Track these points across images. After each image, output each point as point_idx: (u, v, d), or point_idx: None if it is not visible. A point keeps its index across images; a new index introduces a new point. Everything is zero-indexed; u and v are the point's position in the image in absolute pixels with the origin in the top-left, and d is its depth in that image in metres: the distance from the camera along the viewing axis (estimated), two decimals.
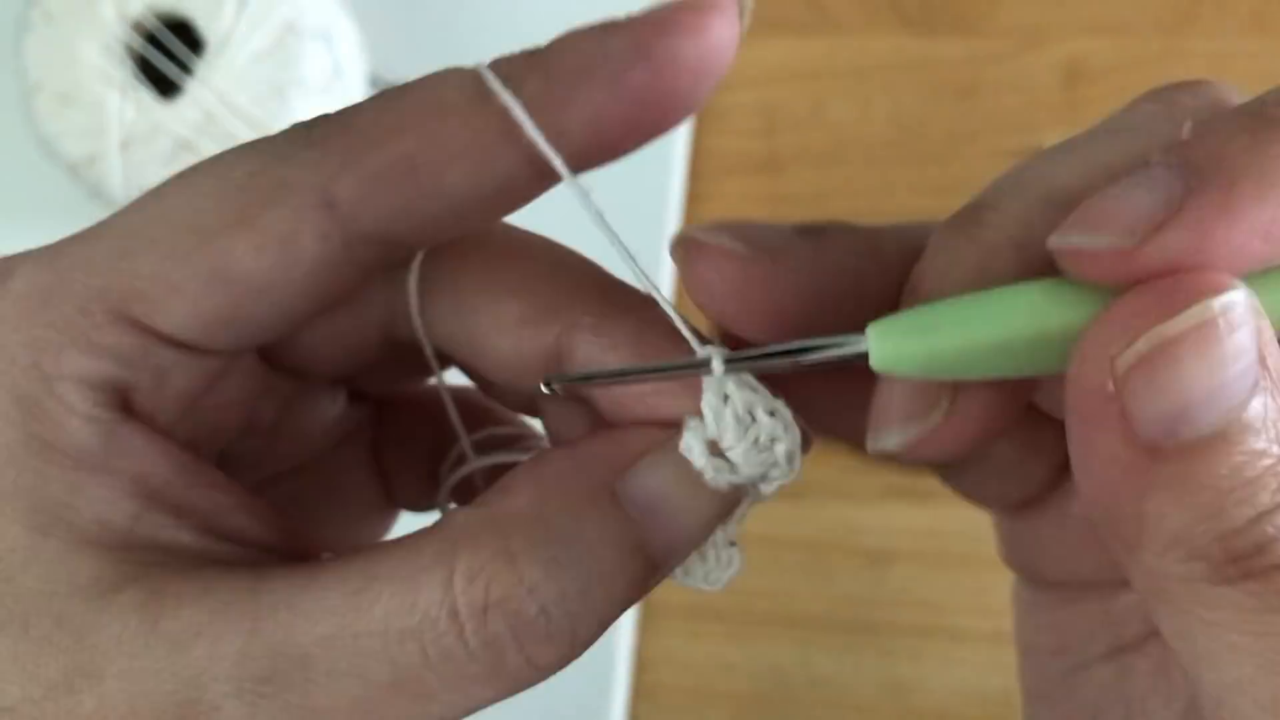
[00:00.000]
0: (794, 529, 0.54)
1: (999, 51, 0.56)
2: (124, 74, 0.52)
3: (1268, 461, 0.16)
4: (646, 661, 0.54)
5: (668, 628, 0.54)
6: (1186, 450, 0.16)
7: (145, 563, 0.19)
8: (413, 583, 0.18)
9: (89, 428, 0.19)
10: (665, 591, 0.59)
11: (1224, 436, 0.16)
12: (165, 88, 0.53)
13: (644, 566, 0.19)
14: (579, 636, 0.19)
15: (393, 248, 0.19)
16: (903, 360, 0.18)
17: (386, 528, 0.28)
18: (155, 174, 0.53)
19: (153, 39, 0.53)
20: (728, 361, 0.19)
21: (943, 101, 0.56)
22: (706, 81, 0.18)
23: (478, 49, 0.19)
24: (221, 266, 0.19)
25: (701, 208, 0.57)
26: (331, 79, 0.54)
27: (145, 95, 0.52)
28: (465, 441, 0.25)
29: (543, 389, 0.20)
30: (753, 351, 0.19)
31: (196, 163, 0.19)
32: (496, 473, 0.23)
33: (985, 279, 0.18)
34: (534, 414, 0.24)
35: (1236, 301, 0.16)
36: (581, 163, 0.18)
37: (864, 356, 0.18)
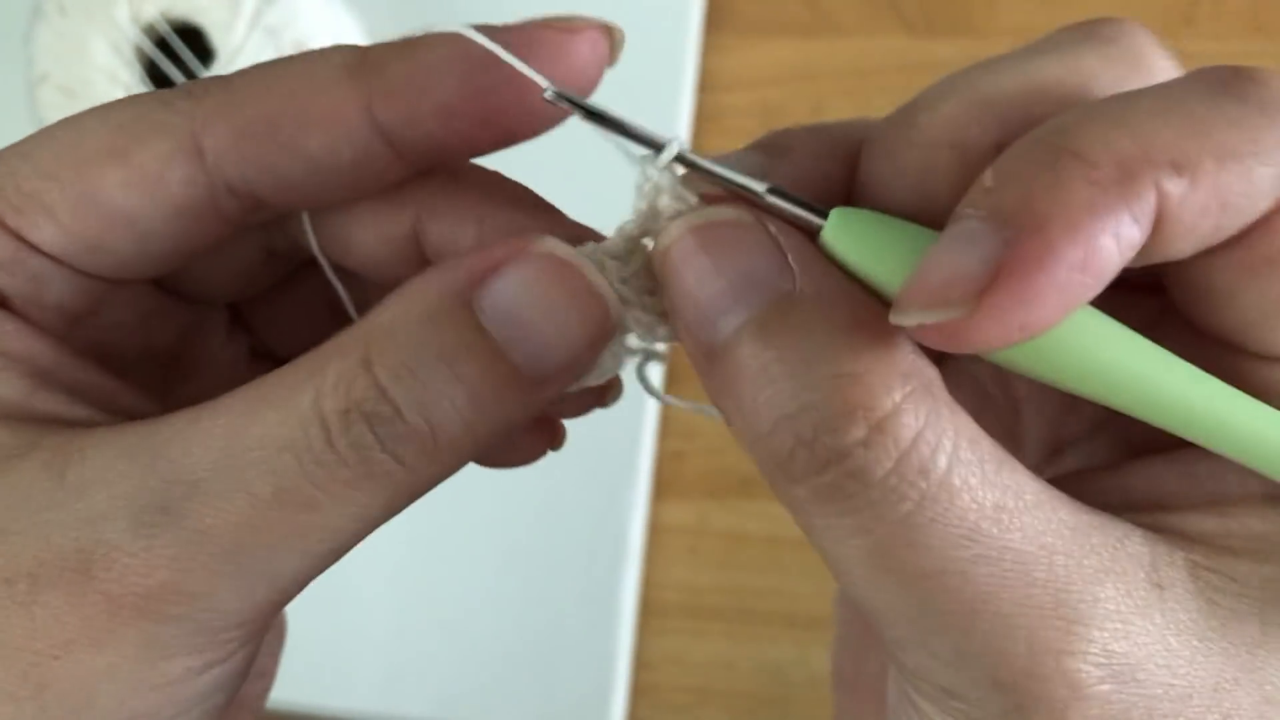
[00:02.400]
0: (793, 529, 0.54)
1: (998, 52, 0.56)
2: (131, 75, 0.53)
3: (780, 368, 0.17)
4: (646, 661, 0.54)
5: (667, 627, 0.54)
6: (717, 354, 0.18)
7: (43, 431, 0.20)
8: (289, 398, 0.19)
9: None
10: (664, 591, 0.59)
11: (731, 343, 0.18)
12: None
13: (511, 379, 0.19)
14: (441, 439, 0.19)
15: (256, 204, 0.21)
16: (847, 254, 0.19)
17: None
18: None
19: (164, 44, 0.53)
20: (686, 162, 0.19)
21: None
22: (579, 81, 0.19)
23: None
24: (90, 193, 0.20)
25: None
26: None
27: None
28: (350, 308, 0.25)
29: (546, 97, 0.20)
30: (713, 164, 0.19)
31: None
32: None
33: (926, 179, 0.19)
34: None
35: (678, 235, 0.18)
36: (431, 145, 0.20)
37: (816, 230, 0.19)
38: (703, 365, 0.18)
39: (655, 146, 0.19)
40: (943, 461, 0.17)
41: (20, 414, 0.20)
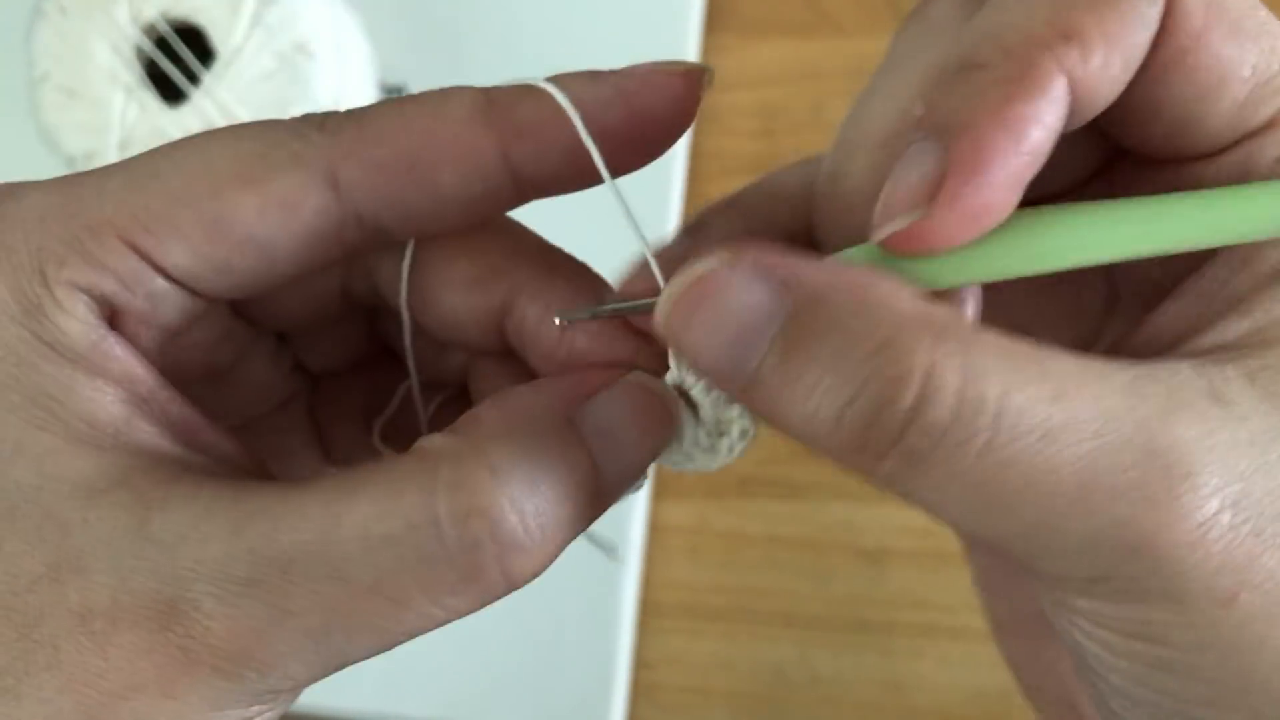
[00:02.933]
0: (793, 528, 0.54)
1: None
2: (131, 75, 0.53)
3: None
4: (646, 661, 0.54)
5: (667, 627, 0.54)
6: (757, 395, 0.19)
7: (131, 466, 0.20)
8: (394, 493, 0.19)
9: (84, 331, 0.20)
10: (664, 591, 0.59)
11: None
12: (171, 94, 0.53)
13: (597, 490, 0.21)
14: (548, 551, 0.20)
15: (379, 234, 0.22)
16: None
17: None
18: None
19: (164, 45, 0.53)
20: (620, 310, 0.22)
21: None
22: (671, 133, 0.22)
23: (488, 70, 0.21)
24: (226, 218, 0.20)
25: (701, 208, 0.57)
26: (338, 100, 0.54)
27: (150, 99, 0.53)
28: (414, 379, 0.26)
29: (556, 322, 0.22)
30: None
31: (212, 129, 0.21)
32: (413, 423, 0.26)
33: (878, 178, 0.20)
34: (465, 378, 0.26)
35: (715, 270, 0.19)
36: (553, 182, 0.21)
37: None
38: (752, 403, 0.19)
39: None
40: (994, 384, 0.18)
41: (110, 444, 0.20)
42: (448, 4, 0.59)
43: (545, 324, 0.23)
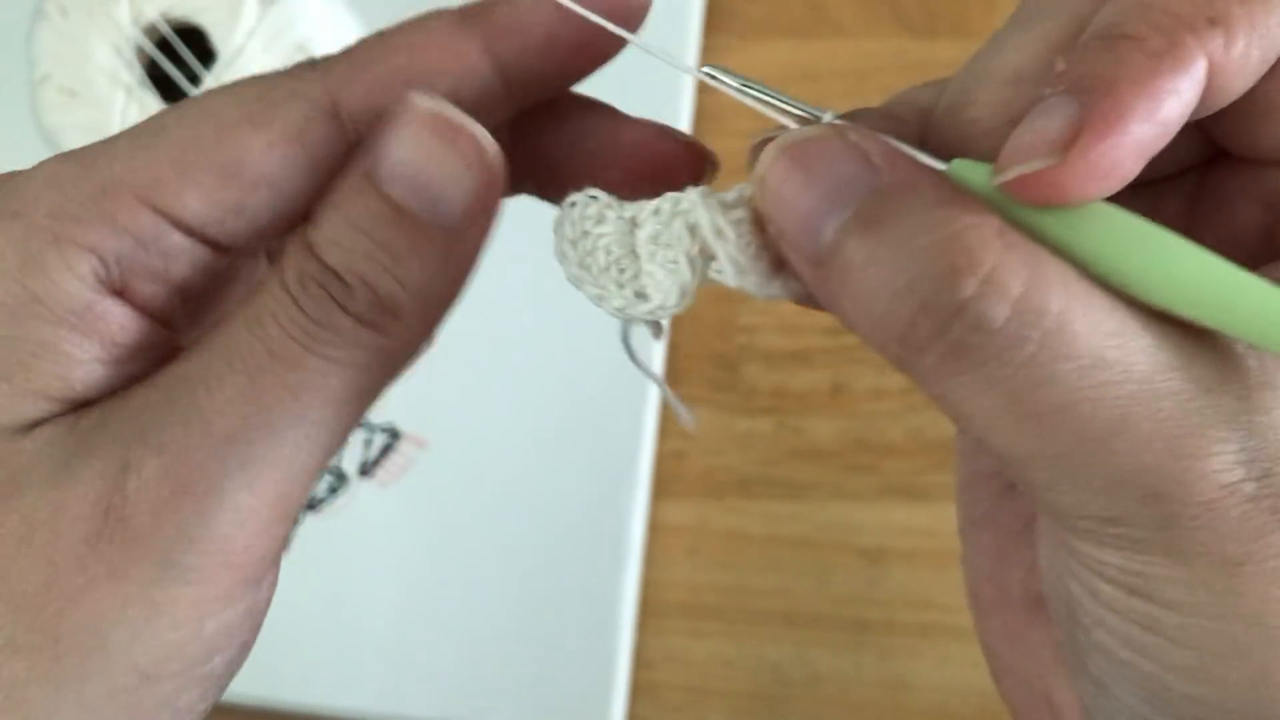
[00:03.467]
0: (792, 528, 0.54)
1: None
2: (132, 76, 0.53)
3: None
4: (646, 660, 0.54)
5: (667, 626, 0.55)
6: (824, 260, 0.19)
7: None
8: (262, 289, 0.21)
9: (80, 290, 0.20)
10: (664, 590, 0.59)
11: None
12: (172, 95, 0.53)
13: (426, 234, 0.21)
14: (382, 296, 0.20)
15: None
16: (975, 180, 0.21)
17: None
18: None
19: (165, 45, 0.53)
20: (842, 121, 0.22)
21: None
22: (634, 20, 0.22)
23: None
24: (235, 159, 0.21)
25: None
26: None
27: (151, 99, 0.53)
28: None
29: (703, 72, 0.23)
30: (861, 127, 0.21)
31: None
32: None
33: (1000, 119, 0.21)
34: None
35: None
36: (536, 76, 0.22)
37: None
38: (814, 277, 0.20)
39: (809, 119, 0.22)
40: (1056, 299, 0.18)
41: (81, 398, 0.21)
42: (447, 5, 0.59)
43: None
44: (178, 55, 0.53)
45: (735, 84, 0.22)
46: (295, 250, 0.21)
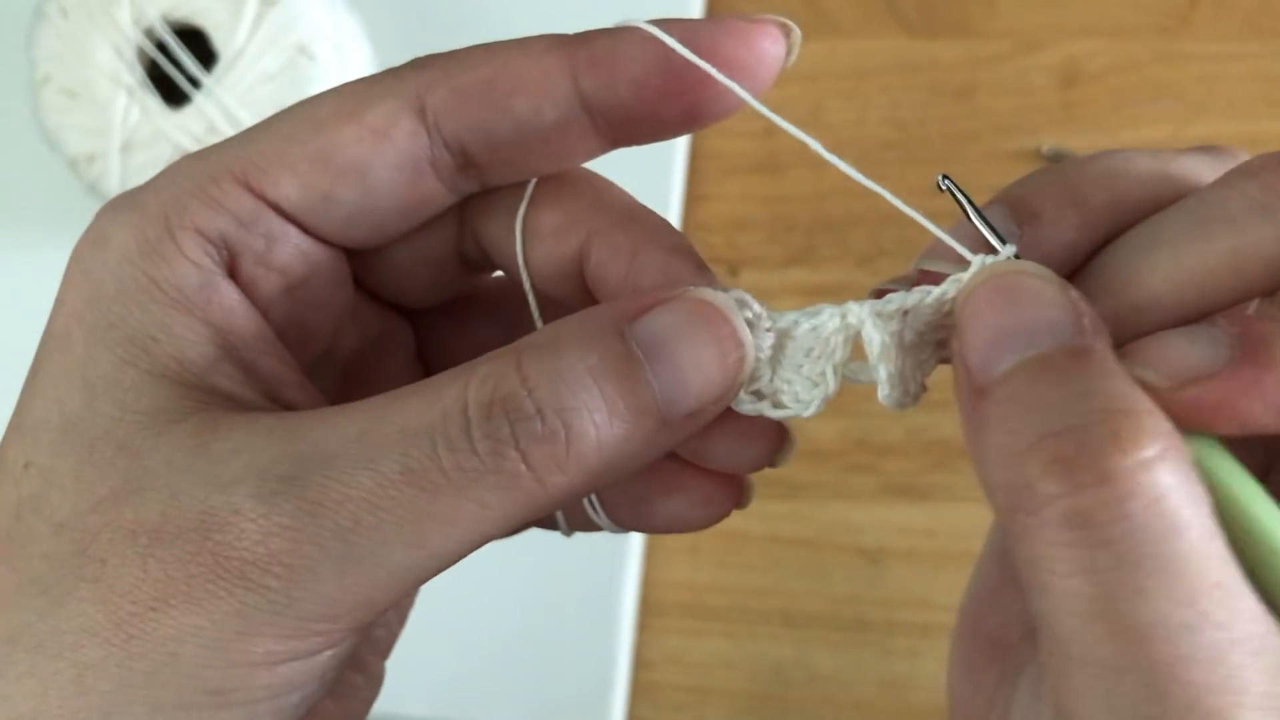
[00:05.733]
0: (793, 528, 0.54)
1: (996, 54, 0.56)
2: (133, 78, 0.53)
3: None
4: (646, 660, 0.54)
5: (667, 626, 0.55)
6: (991, 388, 0.19)
7: (208, 404, 0.21)
8: (434, 393, 0.20)
9: (194, 272, 0.22)
10: (664, 590, 0.59)
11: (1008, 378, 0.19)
12: (173, 96, 0.53)
13: (649, 406, 0.20)
14: (572, 449, 0.20)
15: (466, 162, 0.23)
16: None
17: None
18: None
19: (165, 47, 0.53)
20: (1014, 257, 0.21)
21: (940, 103, 0.57)
22: (757, 76, 0.22)
23: None
24: (327, 149, 0.22)
25: (701, 208, 0.57)
26: None
27: (152, 101, 0.53)
28: (534, 306, 0.26)
29: (939, 182, 0.22)
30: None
31: None
32: None
33: (1197, 293, 0.21)
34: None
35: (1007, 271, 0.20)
36: (624, 116, 0.22)
37: None
38: (972, 400, 0.19)
39: (993, 246, 0.21)
40: (1189, 519, 0.17)
41: (193, 382, 0.21)
42: (447, 5, 0.59)
43: (612, 266, 0.23)
44: (178, 57, 0.53)
45: (965, 200, 0.22)
46: (494, 369, 0.20)
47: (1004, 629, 0.25)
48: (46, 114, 0.54)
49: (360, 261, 0.25)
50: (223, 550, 0.19)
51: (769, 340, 0.22)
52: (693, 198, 0.57)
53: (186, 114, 0.53)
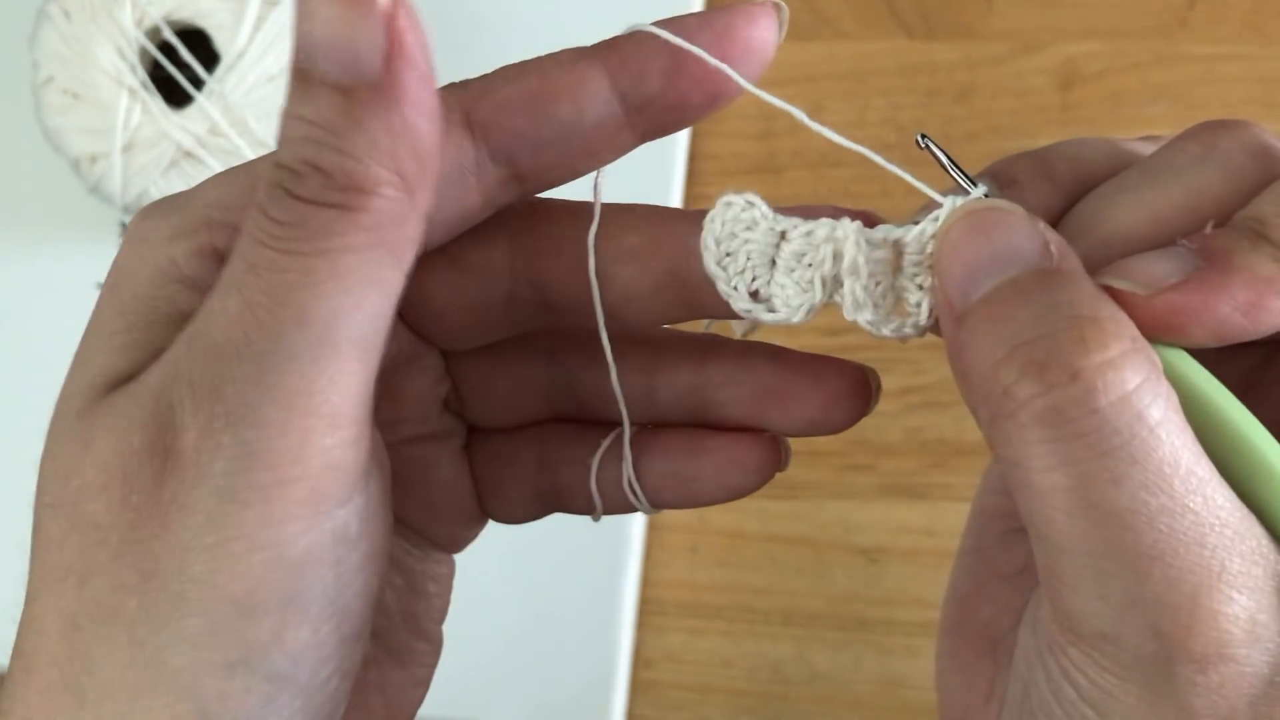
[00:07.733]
0: (792, 527, 0.54)
1: (995, 55, 0.57)
2: (135, 79, 0.53)
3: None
4: (646, 659, 0.55)
5: (667, 625, 0.55)
6: (969, 311, 0.21)
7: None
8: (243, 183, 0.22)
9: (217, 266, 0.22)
10: (664, 589, 0.59)
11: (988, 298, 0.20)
12: (175, 97, 0.53)
13: (333, 90, 0.21)
14: (329, 167, 0.20)
15: (511, 174, 0.24)
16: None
17: (474, 533, 0.31)
18: (155, 180, 0.53)
19: (168, 48, 0.53)
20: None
21: (939, 105, 0.57)
22: (755, 59, 0.24)
23: (487, 71, 0.23)
24: None
25: (700, 209, 0.57)
26: None
27: (154, 102, 0.53)
28: (625, 420, 0.27)
29: (918, 140, 0.25)
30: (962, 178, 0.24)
31: None
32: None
33: (1155, 232, 0.22)
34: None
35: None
36: (656, 107, 0.24)
37: None
38: (953, 326, 0.21)
39: (967, 188, 0.23)
40: (1156, 413, 0.19)
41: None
42: (447, 6, 0.59)
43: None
44: (181, 58, 0.53)
45: (942, 154, 0.24)
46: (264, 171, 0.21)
47: (993, 620, 0.26)
48: (49, 115, 0.54)
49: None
50: (174, 447, 0.20)
51: (771, 239, 0.23)
52: (693, 198, 0.57)
53: (189, 115, 0.53)
